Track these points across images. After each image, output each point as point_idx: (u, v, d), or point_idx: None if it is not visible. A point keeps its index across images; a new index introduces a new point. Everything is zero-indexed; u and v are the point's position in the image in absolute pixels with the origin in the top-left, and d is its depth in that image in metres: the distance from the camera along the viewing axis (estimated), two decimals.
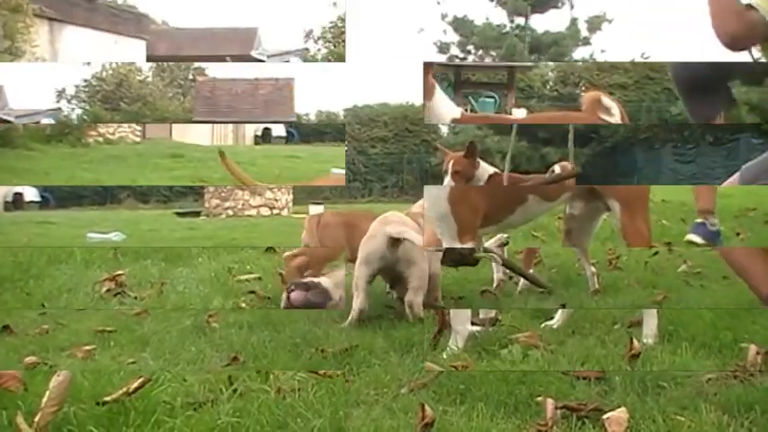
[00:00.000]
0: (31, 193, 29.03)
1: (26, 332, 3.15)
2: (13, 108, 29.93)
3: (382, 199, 26.80)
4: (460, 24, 29.60)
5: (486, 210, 2.86)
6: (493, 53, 28.61)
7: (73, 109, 39.31)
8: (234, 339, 2.88)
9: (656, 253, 4.61)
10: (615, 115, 3.04)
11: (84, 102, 41.77)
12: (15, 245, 9.39)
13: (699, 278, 4.12)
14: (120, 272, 3.78)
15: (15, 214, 20.66)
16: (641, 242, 3.02)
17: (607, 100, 3.07)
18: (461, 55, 30.01)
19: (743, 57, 2.60)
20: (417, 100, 38.90)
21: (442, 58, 29.42)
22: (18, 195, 28.49)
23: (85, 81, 41.26)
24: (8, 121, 28.37)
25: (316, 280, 3.40)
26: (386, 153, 30.50)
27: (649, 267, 4.33)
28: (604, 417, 2.18)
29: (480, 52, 29.54)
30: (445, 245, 2.85)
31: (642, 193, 3.07)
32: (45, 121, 32.25)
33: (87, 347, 2.84)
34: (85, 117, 32.28)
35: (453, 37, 29.89)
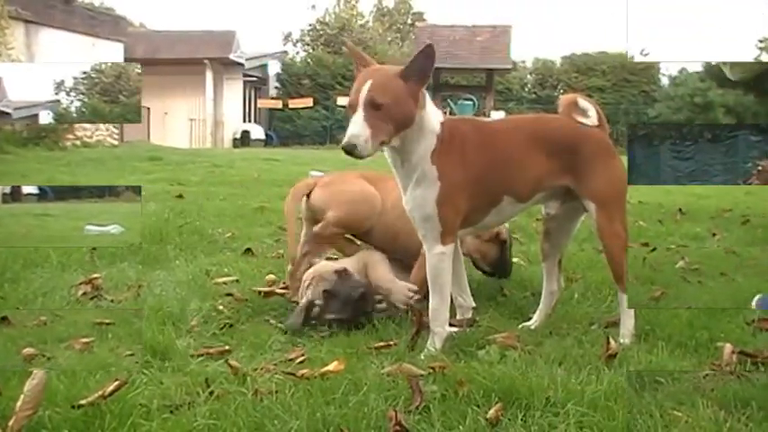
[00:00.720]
0: (257, 131, 29.07)
1: (24, 324, 3.16)
2: (12, 100, 29.82)
3: None
4: None
5: (467, 212, 2.86)
6: None
7: (72, 102, 39.22)
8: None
9: (653, 249, 4.65)
10: (592, 117, 3.02)
11: (83, 94, 41.70)
12: (14, 237, 9.48)
13: (696, 274, 4.16)
14: (96, 275, 3.76)
15: (13, 206, 20.58)
16: (618, 244, 2.99)
17: (584, 102, 3.05)
18: None
19: None
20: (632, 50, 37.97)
21: None
22: (246, 133, 28.59)
23: (310, 25, 41.62)
24: (7, 114, 28.35)
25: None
26: (603, 103, 30.31)
27: (647, 264, 4.36)
28: None
29: None
30: (426, 247, 2.86)
31: (619, 193, 3.04)
32: (43, 113, 32.20)
33: (85, 339, 2.83)
34: (84, 110, 32.29)
35: None
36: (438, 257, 2.82)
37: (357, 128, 2.53)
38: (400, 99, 2.62)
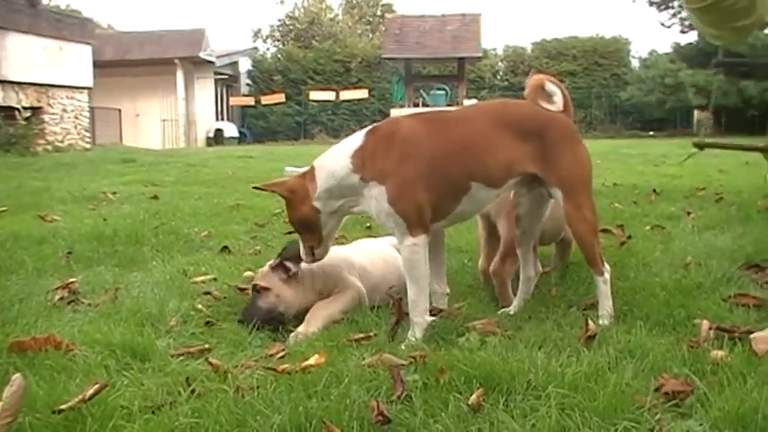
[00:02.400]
0: (230, 129, 29.36)
1: (242, 252, 4.58)
2: (214, 50, 29.96)
3: None
4: None
5: (434, 202, 2.87)
6: None
7: (268, 48, 39.56)
8: None
9: (629, 237, 4.66)
10: (557, 102, 3.02)
11: (278, 41, 41.91)
12: (222, 176, 10.34)
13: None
14: (72, 279, 3.73)
15: (218, 149, 21.19)
16: (588, 228, 2.98)
17: (551, 86, 3.03)
18: None
19: None
20: (608, 32, 37.83)
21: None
22: (219, 132, 28.90)
23: (279, 20, 41.70)
24: (211, 62, 28.59)
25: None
26: (574, 87, 30.34)
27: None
28: (752, 336, 2.51)
29: None
30: (398, 241, 2.89)
31: (585, 179, 3.01)
32: (243, 60, 32.55)
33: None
34: (279, 56, 32.45)
35: None
36: (410, 249, 2.84)
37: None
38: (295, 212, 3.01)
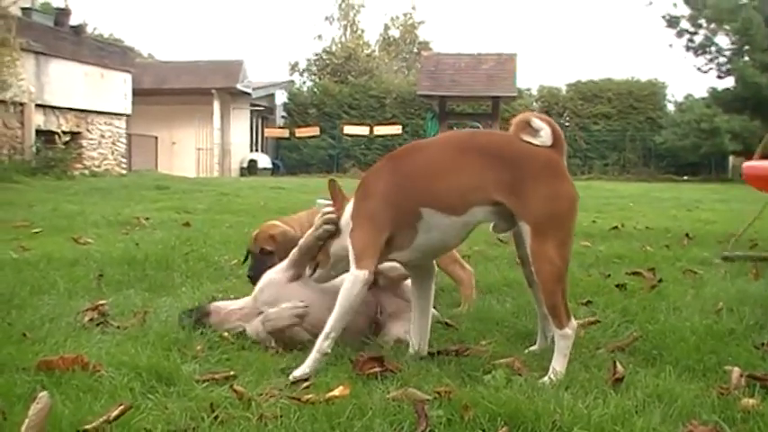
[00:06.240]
0: (264, 161, 29.90)
1: None
2: (251, 81, 30.57)
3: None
4: None
5: (391, 234, 2.90)
6: (727, 27, 27.34)
7: (304, 82, 40.15)
8: None
9: (660, 280, 4.59)
10: (543, 137, 2.87)
11: (315, 75, 42.52)
12: (253, 206, 10.69)
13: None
14: (102, 301, 3.76)
15: (251, 179, 21.66)
16: (550, 270, 2.76)
17: (538, 122, 2.88)
18: (692, 29, 28.58)
19: None
20: (643, 75, 37.82)
21: (671, 33, 29.19)
22: (253, 162, 29.47)
23: (316, 55, 42.38)
24: (247, 93, 29.14)
25: None
26: (609, 130, 30.43)
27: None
28: None
29: (713, 26, 28.26)
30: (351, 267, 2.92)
31: (558, 216, 2.81)
32: (278, 92, 33.02)
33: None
34: (315, 90, 32.98)
35: (684, 10, 28.84)
36: (349, 280, 2.89)
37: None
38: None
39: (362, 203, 2.99)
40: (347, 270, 2.94)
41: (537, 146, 2.87)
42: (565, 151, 2.95)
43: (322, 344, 2.85)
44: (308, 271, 3.22)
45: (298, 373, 2.76)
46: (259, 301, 3.32)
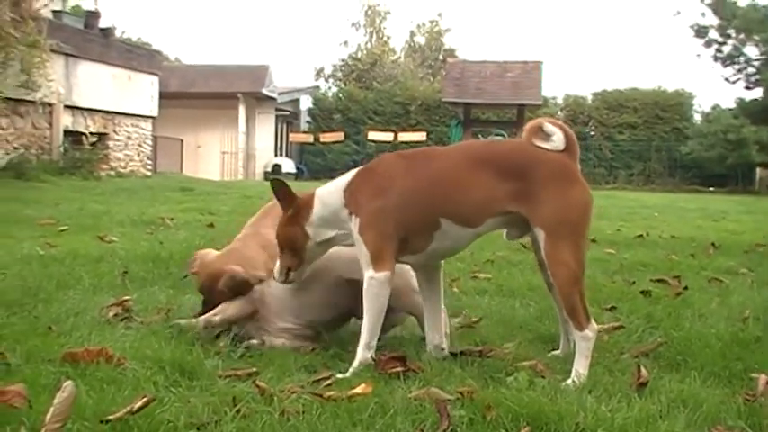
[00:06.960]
0: (288, 165, 30.22)
1: None
2: (277, 86, 30.86)
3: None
4: (721, 6, 27.68)
5: (405, 236, 2.88)
6: (756, 37, 27.25)
7: (329, 87, 40.43)
8: None
9: (685, 288, 4.55)
10: (555, 142, 2.86)
11: (340, 80, 42.75)
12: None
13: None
14: (126, 297, 3.79)
15: None
16: (567, 274, 2.79)
17: (550, 126, 2.89)
18: (720, 39, 28.37)
19: None
20: (670, 85, 37.64)
21: (699, 43, 29.13)
22: (277, 167, 29.81)
23: (342, 60, 42.56)
24: (273, 98, 29.32)
25: None
26: (634, 140, 30.41)
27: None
28: None
29: (742, 36, 28.12)
30: (363, 268, 2.90)
31: (572, 221, 2.83)
32: (303, 98, 33.26)
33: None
34: (340, 95, 33.12)
35: (712, 20, 28.62)
36: (368, 282, 2.88)
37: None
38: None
39: (374, 202, 2.90)
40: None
41: (549, 151, 2.88)
42: (578, 155, 2.96)
43: (364, 354, 2.85)
44: (278, 278, 3.14)
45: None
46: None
